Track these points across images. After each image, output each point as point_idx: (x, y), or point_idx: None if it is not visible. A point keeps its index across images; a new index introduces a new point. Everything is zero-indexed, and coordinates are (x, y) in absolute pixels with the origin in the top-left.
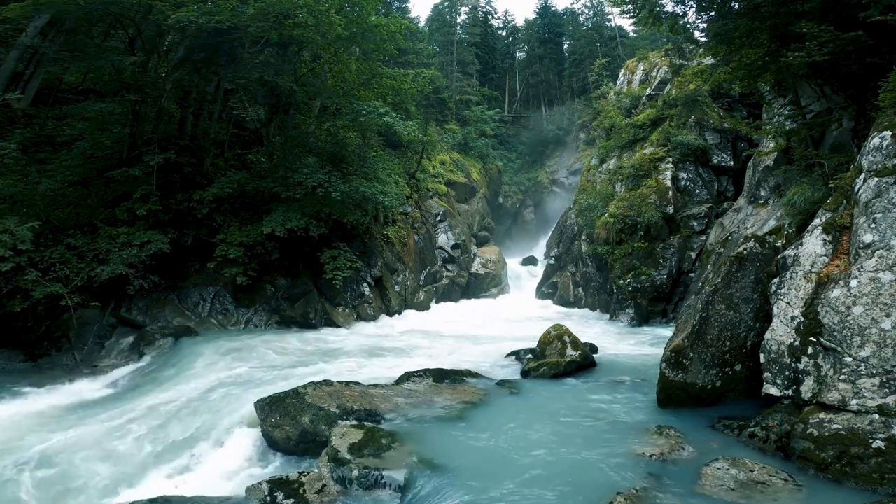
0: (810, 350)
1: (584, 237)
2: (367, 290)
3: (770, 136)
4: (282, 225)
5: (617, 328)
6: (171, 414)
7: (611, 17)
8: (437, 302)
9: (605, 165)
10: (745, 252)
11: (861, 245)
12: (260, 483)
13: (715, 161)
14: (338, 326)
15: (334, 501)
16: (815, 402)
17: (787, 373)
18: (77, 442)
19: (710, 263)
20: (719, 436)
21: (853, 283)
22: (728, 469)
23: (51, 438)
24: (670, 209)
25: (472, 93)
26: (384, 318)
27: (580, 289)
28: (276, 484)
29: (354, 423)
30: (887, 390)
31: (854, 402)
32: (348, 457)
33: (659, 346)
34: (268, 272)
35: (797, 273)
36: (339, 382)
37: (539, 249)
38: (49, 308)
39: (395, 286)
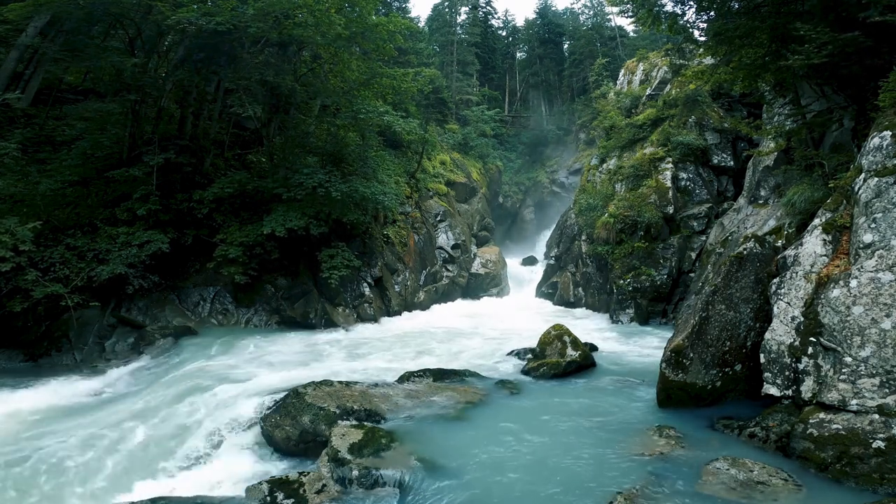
0: (810, 350)
1: (584, 237)
2: (367, 290)
3: (770, 136)
4: (282, 225)
5: (617, 328)
6: (171, 414)
7: (611, 17)
8: (437, 302)
9: (605, 165)
10: (745, 252)
11: (861, 245)
12: (260, 483)
13: (715, 161)
14: (338, 326)
15: (334, 501)
16: (815, 402)
17: (787, 373)
18: (76, 441)
19: (710, 263)
20: (719, 436)
21: (853, 283)
22: (728, 469)
23: (50, 437)
24: (670, 209)
25: (472, 93)
26: (384, 318)
27: (580, 289)
28: (276, 484)
29: (354, 423)
30: (887, 390)
31: (854, 402)
32: (348, 457)
33: (659, 346)
34: (268, 272)
35: (797, 273)
36: (339, 382)
37: (539, 249)
38: (49, 308)
39: (396, 286)
